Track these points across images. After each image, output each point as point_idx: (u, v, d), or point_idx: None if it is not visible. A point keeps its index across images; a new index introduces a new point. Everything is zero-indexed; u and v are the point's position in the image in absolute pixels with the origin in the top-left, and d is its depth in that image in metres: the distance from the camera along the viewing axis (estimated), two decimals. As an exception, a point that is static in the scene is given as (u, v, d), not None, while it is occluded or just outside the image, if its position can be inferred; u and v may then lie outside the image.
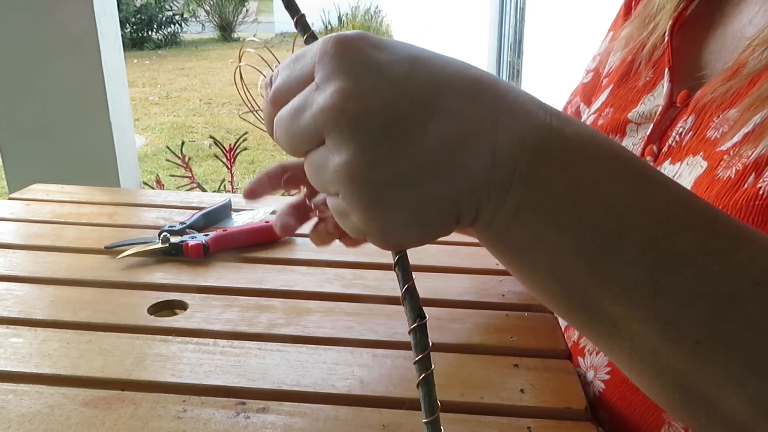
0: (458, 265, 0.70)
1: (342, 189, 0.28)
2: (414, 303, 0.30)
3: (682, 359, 0.28)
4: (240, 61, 0.49)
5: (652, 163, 0.47)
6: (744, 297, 0.27)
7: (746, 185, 0.37)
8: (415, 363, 0.29)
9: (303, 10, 0.39)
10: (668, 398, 0.31)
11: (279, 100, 0.31)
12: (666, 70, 0.49)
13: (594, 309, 0.29)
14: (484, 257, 0.72)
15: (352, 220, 0.29)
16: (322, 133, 0.28)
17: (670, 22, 0.51)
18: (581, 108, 0.67)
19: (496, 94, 0.29)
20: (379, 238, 0.29)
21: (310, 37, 0.33)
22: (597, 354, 0.49)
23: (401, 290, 0.30)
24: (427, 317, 0.30)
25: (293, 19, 0.34)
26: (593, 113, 0.56)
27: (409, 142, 0.27)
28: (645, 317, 0.28)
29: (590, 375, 0.49)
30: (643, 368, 0.30)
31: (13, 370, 0.50)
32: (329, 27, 10.76)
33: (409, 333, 0.29)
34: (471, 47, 3.99)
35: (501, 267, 0.69)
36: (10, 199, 0.89)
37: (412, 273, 0.30)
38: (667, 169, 0.45)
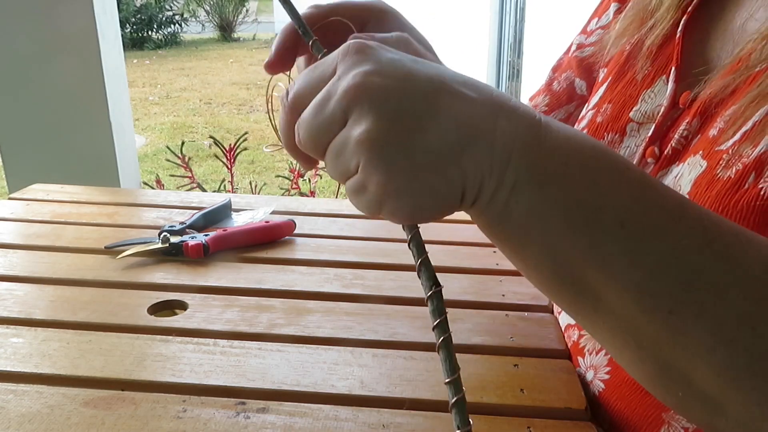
0: (458, 265, 0.70)
1: (362, 157, 0.31)
2: (429, 273, 0.32)
3: (657, 330, 0.31)
4: (270, 91, 0.49)
5: (653, 165, 0.47)
6: (708, 268, 0.30)
7: (747, 185, 0.37)
8: (433, 329, 0.31)
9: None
10: (648, 374, 0.33)
11: (299, 103, 0.34)
12: (672, 68, 0.48)
13: (580, 283, 0.32)
14: (484, 257, 0.72)
15: (370, 190, 0.31)
16: (346, 114, 0.31)
17: (684, 19, 0.49)
18: (576, 83, 0.67)
19: (492, 92, 0.33)
20: (393, 206, 0.32)
21: (325, 54, 0.36)
22: (597, 354, 0.49)
23: (416, 264, 0.33)
24: (443, 285, 0.32)
25: (308, 43, 0.39)
26: (591, 109, 0.55)
27: (424, 116, 0.31)
28: (623, 287, 0.31)
29: (590, 375, 0.49)
30: (625, 343, 0.33)
31: (13, 370, 0.50)
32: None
33: (426, 301, 0.32)
34: (471, 47, 3.99)
35: (501, 267, 0.70)
36: (10, 199, 0.89)
37: (425, 247, 0.33)
38: (674, 171, 0.45)
